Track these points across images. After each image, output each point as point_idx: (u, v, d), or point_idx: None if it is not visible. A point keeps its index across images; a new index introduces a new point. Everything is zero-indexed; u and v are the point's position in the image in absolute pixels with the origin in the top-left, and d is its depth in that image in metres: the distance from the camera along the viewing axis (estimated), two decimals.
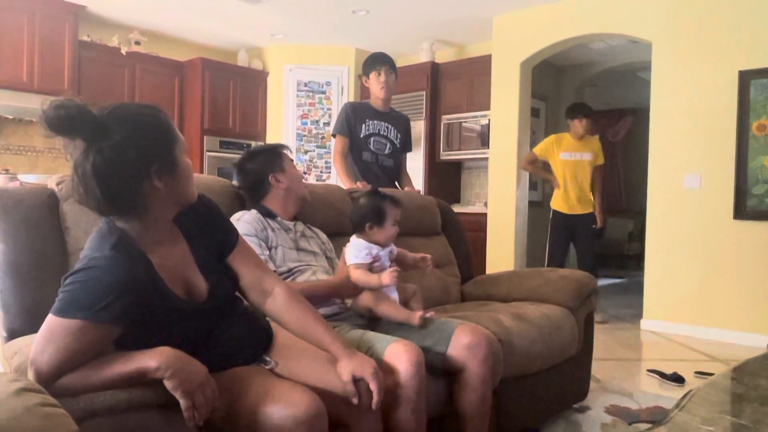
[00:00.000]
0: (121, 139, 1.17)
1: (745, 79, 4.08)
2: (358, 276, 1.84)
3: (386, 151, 3.38)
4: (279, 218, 2.02)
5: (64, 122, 1.13)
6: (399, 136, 3.43)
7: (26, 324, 1.49)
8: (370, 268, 1.87)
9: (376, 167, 3.34)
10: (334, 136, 3.38)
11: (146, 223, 1.26)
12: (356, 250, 1.89)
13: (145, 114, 1.25)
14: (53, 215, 1.66)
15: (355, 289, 1.89)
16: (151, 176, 1.21)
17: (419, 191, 3.29)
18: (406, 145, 3.51)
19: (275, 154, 2.07)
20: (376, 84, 3.33)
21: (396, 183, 3.50)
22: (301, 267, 1.93)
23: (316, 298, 1.73)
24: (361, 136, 3.31)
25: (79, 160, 1.17)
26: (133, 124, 1.21)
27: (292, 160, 2.13)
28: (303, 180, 2.14)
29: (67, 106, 1.13)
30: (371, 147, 3.34)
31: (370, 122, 3.34)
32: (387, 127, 3.38)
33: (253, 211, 1.98)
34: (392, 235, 1.95)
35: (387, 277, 1.78)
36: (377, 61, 3.34)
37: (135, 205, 1.23)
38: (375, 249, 1.91)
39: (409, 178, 3.56)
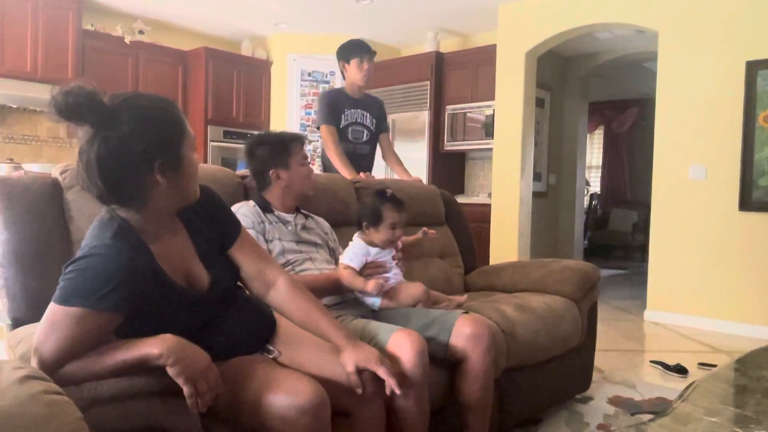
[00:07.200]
0: (128, 131, 1.16)
1: (753, 69, 4.05)
2: (345, 276, 1.86)
3: (363, 139, 3.42)
4: (277, 212, 2.00)
5: (72, 108, 1.13)
6: (374, 121, 3.45)
7: (30, 312, 1.49)
8: (360, 273, 1.88)
9: (353, 156, 3.34)
10: (318, 128, 3.39)
11: (147, 214, 1.26)
12: (353, 252, 1.91)
13: (156, 107, 1.23)
14: (57, 204, 1.66)
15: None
16: (153, 170, 1.20)
17: (419, 179, 3.27)
18: (381, 126, 3.51)
19: (283, 148, 1.99)
20: (357, 71, 3.31)
21: (385, 167, 3.54)
22: (300, 258, 1.92)
23: (316, 290, 1.72)
24: (341, 126, 3.32)
25: (84, 147, 1.17)
26: (143, 117, 1.20)
27: (306, 156, 2.05)
28: (310, 176, 2.07)
29: (76, 93, 1.13)
30: (350, 137, 3.36)
31: (348, 112, 3.35)
32: (363, 114, 3.41)
33: (251, 203, 1.97)
34: (388, 238, 1.92)
35: (371, 285, 1.81)
36: (362, 49, 3.33)
37: (136, 196, 1.22)
38: (373, 252, 1.92)
39: (397, 158, 3.53)
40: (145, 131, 1.19)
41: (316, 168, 4.68)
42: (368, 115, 3.42)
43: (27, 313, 1.51)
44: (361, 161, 3.40)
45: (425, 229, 2.13)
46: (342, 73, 3.41)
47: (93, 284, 1.12)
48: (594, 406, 2.56)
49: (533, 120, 5.47)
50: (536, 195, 5.80)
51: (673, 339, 3.99)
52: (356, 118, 3.38)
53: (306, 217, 2.09)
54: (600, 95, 8.58)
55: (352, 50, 3.33)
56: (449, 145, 5.99)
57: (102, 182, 1.18)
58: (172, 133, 1.24)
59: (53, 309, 1.13)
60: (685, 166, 4.36)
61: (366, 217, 1.93)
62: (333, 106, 3.31)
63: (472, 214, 4.69)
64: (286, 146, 2.00)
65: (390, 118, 6.17)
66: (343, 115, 3.33)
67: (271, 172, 1.98)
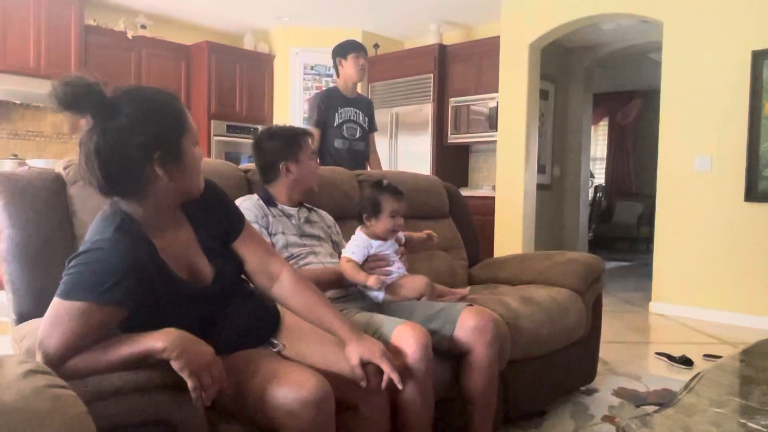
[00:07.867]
0: (128, 123, 1.16)
1: (758, 59, 4.01)
2: (347, 270, 1.86)
3: (357, 136, 3.56)
4: (280, 205, 2.00)
5: (71, 98, 1.13)
6: (366, 119, 3.61)
7: (35, 307, 1.50)
8: (362, 266, 1.88)
9: (349, 152, 3.49)
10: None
11: (149, 208, 1.26)
12: (355, 245, 1.91)
13: (157, 100, 1.23)
14: (60, 199, 1.66)
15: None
16: (153, 163, 1.20)
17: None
18: (372, 126, 3.69)
19: (294, 142, 2.01)
20: (354, 67, 3.50)
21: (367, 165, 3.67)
22: (304, 252, 1.93)
23: (319, 283, 1.72)
24: (335, 124, 3.46)
25: (84, 138, 1.17)
26: (143, 109, 1.19)
27: (313, 151, 2.09)
28: (317, 171, 2.10)
29: (75, 83, 1.13)
30: (345, 134, 3.49)
31: (342, 110, 3.50)
32: (356, 113, 3.55)
33: (255, 197, 1.97)
34: (390, 228, 1.92)
35: (372, 280, 1.81)
36: (358, 46, 3.53)
37: (134, 189, 1.23)
38: (375, 246, 1.91)
39: (378, 158, 3.74)
40: (145, 123, 1.18)
41: None
42: (361, 113, 3.58)
43: (31, 307, 1.52)
44: (358, 158, 3.54)
45: (430, 232, 2.12)
46: (337, 70, 3.56)
47: (96, 278, 1.13)
48: (599, 398, 2.56)
49: (537, 112, 5.44)
50: (540, 187, 5.78)
51: (678, 330, 3.98)
52: (350, 115, 3.52)
53: (309, 210, 2.09)
54: (604, 86, 8.54)
55: (349, 47, 3.52)
56: (453, 138, 5.97)
57: (101, 174, 1.18)
58: (172, 126, 1.24)
59: (57, 303, 1.13)
60: (690, 157, 4.34)
61: (365, 209, 1.94)
62: (323, 107, 3.45)
63: (476, 207, 4.68)
64: (298, 140, 2.02)
65: (393, 111, 6.18)
66: (336, 114, 3.47)
67: (281, 166, 1.98)
